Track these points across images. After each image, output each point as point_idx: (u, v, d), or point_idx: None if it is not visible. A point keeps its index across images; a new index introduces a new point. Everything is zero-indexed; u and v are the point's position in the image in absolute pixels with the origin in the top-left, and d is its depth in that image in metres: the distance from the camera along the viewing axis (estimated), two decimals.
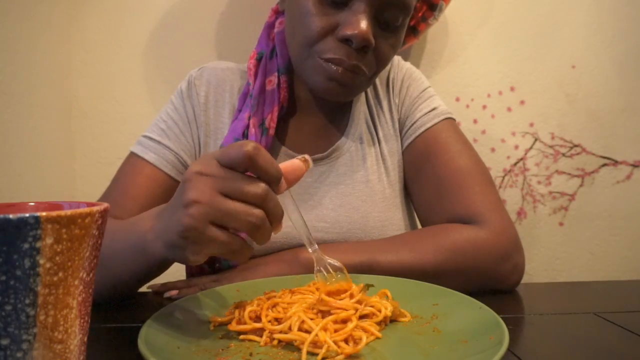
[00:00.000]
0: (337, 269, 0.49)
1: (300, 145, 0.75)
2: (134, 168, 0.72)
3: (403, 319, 0.48)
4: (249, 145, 0.41)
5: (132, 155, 0.73)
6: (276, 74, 0.73)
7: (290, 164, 0.46)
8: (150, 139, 0.73)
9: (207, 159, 0.44)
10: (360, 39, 0.62)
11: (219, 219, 0.41)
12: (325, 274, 0.49)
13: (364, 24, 0.62)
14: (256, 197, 0.42)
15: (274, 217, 0.44)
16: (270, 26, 0.77)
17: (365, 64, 0.66)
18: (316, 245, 0.50)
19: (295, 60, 0.70)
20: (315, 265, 0.50)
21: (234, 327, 0.45)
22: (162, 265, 0.54)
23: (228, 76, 0.78)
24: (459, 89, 1.25)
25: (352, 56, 0.64)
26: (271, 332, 0.43)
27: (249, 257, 0.45)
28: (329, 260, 0.50)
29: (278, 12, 0.78)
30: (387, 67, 0.81)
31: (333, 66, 0.65)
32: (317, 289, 0.50)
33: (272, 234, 0.45)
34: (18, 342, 0.28)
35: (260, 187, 0.42)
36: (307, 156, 0.47)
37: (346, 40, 0.63)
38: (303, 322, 0.43)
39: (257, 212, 0.42)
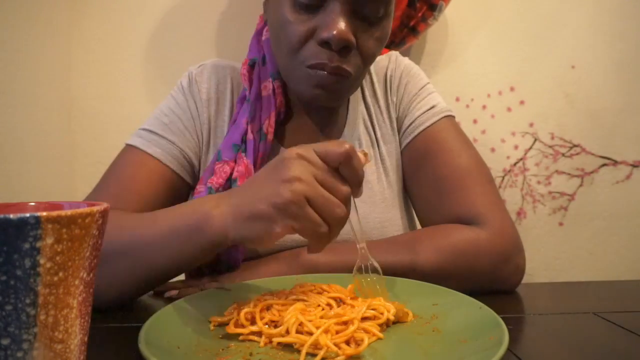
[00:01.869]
0: (374, 270, 0.53)
1: None
2: (136, 162, 0.69)
3: (406, 319, 0.48)
4: (349, 145, 0.45)
5: (132, 148, 0.70)
6: (270, 79, 0.72)
7: (360, 160, 0.48)
8: (152, 132, 0.71)
9: (306, 147, 0.47)
10: (338, 40, 0.60)
11: (317, 201, 0.45)
12: (363, 272, 0.53)
13: (340, 25, 0.60)
14: (343, 195, 0.46)
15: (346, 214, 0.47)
16: (259, 33, 0.77)
17: (349, 64, 0.63)
18: (364, 244, 0.53)
19: (282, 70, 0.70)
20: (358, 261, 0.53)
21: (231, 329, 0.45)
22: (214, 246, 0.52)
23: (229, 74, 0.77)
24: (459, 89, 1.25)
25: (334, 58, 0.62)
26: (269, 336, 0.43)
27: (320, 250, 0.49)
28: (371, 261, 0.53)
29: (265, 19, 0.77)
30: (385, 64, 0.80)
31: (317, 72, 0.63)
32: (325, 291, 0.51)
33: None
34: (18, 342, 0.28)
35: (346, 187, 0.46)
36: (366, 150, 0.51)
37: (326, 43, 0.62)
38: (302, 324, 0.43)
39: (343, 206, 0.46)
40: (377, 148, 0.76)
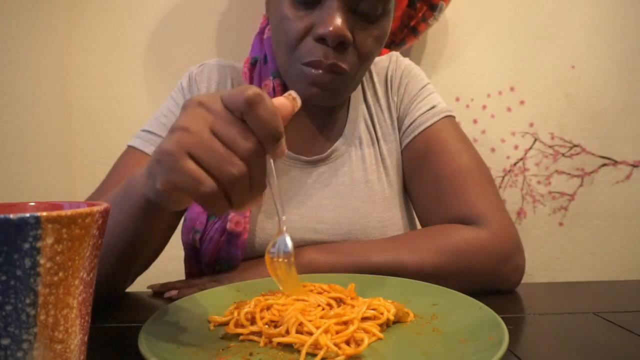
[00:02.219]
0: (287, 255, 0.46)
1: (298, 146, 0.75)
2: (134, 161, 0.70)
3: (407, 320, 0.48)
4: (251, 91, 0.37)
5: (131, 148, 0.72)
6: (271, 77, 0.73)
7: (277, 102, 0.41)
8: (151, 132, 0.72)
9: (214, 94, 0.41)
10: (334, 35, 0.60)
11: (200, 154, 0.38)
12: (277, 256, 0.47)
13: (336, 20, 0.60)
14: (242, 149, 0.38)
15: (256, 181, 0.40)
16: (262, 32, 0.77)
17: (345, 61, 0.64)
18: (284, 217, 0.46)
19: (280, 68, 0.70)
20: (274, 239, 0.47)
21: (231, 329, 0.45)
22: (146, 211, 0.49)
23: (229, 73, 0.77)
24: (459, 89, 1.25)
25: (329, 55, 0.62)
26: (269, 336, 0.43)
27: (223, 213, 0.41)
28: (286, 239, 0.46)
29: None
30: (386, 64, 0.80)
31: (313, 70, 0.63)
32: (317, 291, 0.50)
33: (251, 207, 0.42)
34: (18, 342, 0.28)
35: (250, 142, 0.38)
36: (293, 93, 0.43)
37: (322, 40, 0.62)
38: (302, 324, 0.43)
39: (240, 164, 0.38)
40: (377, 147, 0.76)
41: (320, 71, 0.63)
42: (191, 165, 0.37)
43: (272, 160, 0.43)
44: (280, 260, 0.47)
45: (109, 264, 0.54)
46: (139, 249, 0.56)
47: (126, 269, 0.58)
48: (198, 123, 0.38)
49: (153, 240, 0.58)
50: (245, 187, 0.39)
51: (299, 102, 0.43)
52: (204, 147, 0.38)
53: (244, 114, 0.38)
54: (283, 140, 0.40)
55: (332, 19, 0.60)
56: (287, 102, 0.41)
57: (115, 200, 0.51)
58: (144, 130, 0.72)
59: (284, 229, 0.46)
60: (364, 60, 0.66)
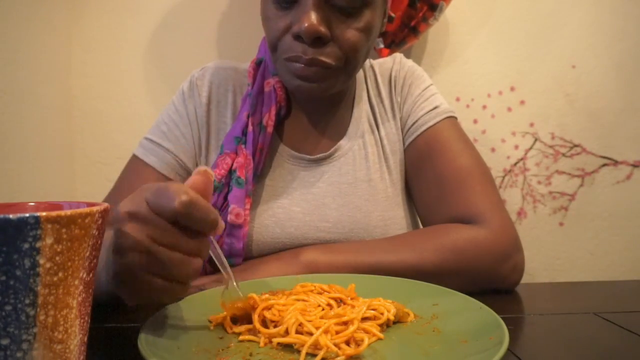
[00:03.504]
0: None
1: (301, 144, 0.75)
2: (135, 171, 0.73)
3: (407, 320, 0.48)
4: (178, 202, 0.37)
5: (134, 157, 0.74)
6: (271, 76, 0.74)
7: (201, 183, 0.41)
8: (151, 141, 0.74)
9: (138, 200, 0.40)
10: (308, 32, 0.61)
11: (156, 269, 0.39)
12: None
13: (311, 17, 0.61)
14: (192, 249, 0.40)
15: (204, 257, 0.42)
16: None
17: (326, 55, 0.64)
18: (235, 282, 0.47)
19: (273, 65, 0.72)
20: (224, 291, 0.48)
21: (228, 325, 0.45)
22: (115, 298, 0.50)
23: (231, 76, 0.78)
24: (459, 89, 1.25)
25: (308, 51, 0.64)
26: (269, 336, 0.43)
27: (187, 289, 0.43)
28: (236, 288, 0.47)
29: None
30: (389, 65, 0.81)
31: (294, 64, 0.65)
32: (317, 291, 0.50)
33: None
34: (18, 342, 0.28)
35: (195, 240, 0.40)
36: (202, 168, 0.43)
37: (298, 37, 0.63)
38: (302, 324, 0.43)
39: (194, 261, 0.40)
40: (380, 146, 0.77)
41: (302, 65, 0.65)
42: (151, 280, 0.40)
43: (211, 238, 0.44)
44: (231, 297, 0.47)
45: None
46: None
47: None
48: (140, 238, 0.39)
49: None
50: (199, 268, 0.41)
51: (210, 173, 0.43)
52: (156, 261, 0.39)
53: (178, 221, 0.39)
54: (219, 220, 0.41)
55: (306, 16, 0.61)
56: (199, 178, 0.42)
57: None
58: (147, 139, 0.75)
59: (232, 278, 0.48)
60: (349, 52, 0.66)
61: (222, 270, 0.47)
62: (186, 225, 0.39)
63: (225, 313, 0.47)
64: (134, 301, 0.42)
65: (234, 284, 0.47)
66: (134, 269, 0.39)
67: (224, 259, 0.47)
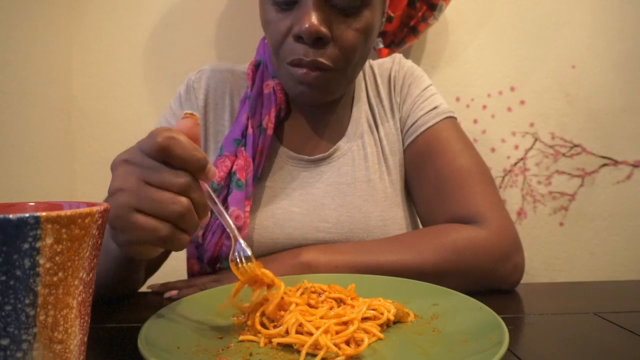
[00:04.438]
0: (248, 258, 0.48)
1: (300, 146, 0.75)
2: None
3: (407, 320, 0.48)
4: (160, 137, 0.40)
5: None
6: (271, 78, 0.74)
7: (184, 126, 0.43)
8: None
9: (133, 148, 0.43)
10: (308, 33, 0.61)
11: (144, 206, 0.40)
12: (239, 263, 0.48)
13: (311, 18, 0.61)
14: (179, 186, 0.41)
15: (199, 206, 0.43)
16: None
17: (326, 56, 0.64)
18: (236, 230, 0.48)
19: (275, 71, 0.72)
20: (232, 247, 0.48)
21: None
22: (123, 263, 0.54)
23: (227, 78, 0.78)
24: (459, 89, 1.25)
25: (309, 52, 0.63)
26: (269, 337, 0.43)
27: (186, 245, 0.44)
28: (242, 245, 0.48)
29: None
30: (389, 66, 0.81)
31: (297, 69, 0.65)
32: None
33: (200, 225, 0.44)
34: (18, 342, 0.28)
35: (182, 177, 0.41)
36: (188, 111, 0.45)
37: (300, 38, 0.63)
38: (302, 324, 0.43)
39: (182, 199, 0.41)
40: (380, 147, 0.77)
41: (304, 70, 0.64)
42: (140, 219, 0.40)
43: (206, 184, 0.45)
44: (246, 265, 0.47)
45: (108, 291, 0.59)
46: (136, 281, 0.62)
47: (125, 290, 0.63)
48: (129, 179, 0.41)
49: (147, 270, 0.62)
50: (192, 215, 0.42)
51: (196, 114, 0.45)
52: (144, 198, 0.40)
53: (164, 158, 0.40)
54: (209, 164, 0.42)
55: (306, 17, 0.61)
56: (187, 122, 0.43)
57: (102, 248, 0.52)
58: None
59: (238, 236, 0.48)
60: (349, 53, 0.66)
61: (226, 227, 0.47)
62: (172, 162, 0.40)
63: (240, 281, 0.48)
64: (131, 248, 0.43)
65: (241, 242, 0.47)
66: (124, 208, 0.40)
67: (227, 218, 0.47)
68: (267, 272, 0.48)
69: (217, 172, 0.68)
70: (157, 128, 0.41)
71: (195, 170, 0.41)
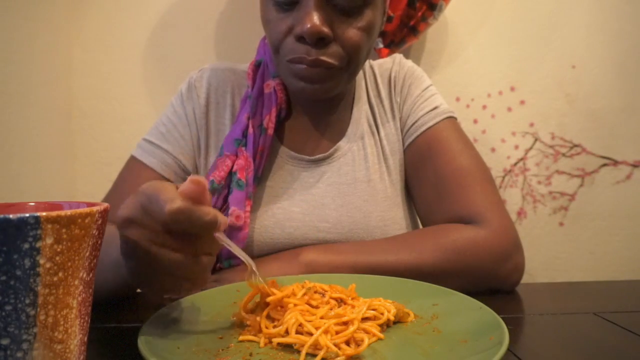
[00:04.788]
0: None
1: (301, 146, 0.75)
2: (134, 172, 0.72)
3: (407, 320, 0.48)
4: (166, 211, 0.37)
5: (133, 159, 0.74)
6: (271, 78, 0.74)
7: (194, 192, 0.40)
8: (150, 142, 0.74)
9: (134, 204, 0.40)
10: (311, 33, 0.61)
11: (161, 269, 0.40)
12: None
13: (313, 18, 0.61)
14: (196, 251, 0.40)
15: (214, 253, 0.43)
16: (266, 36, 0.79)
17: (329, 55, 0.64)
18: (255, 268, 0.48)
19: (275, 68, 0.72)
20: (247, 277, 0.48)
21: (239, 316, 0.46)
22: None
23: (229, 77, 0.78)
24: (459, 89, 1.25)
25: (311, 52, 0.63)
26: (269, 336, 0.43)
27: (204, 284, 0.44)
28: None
29: None
30: (389, 66, 0.81)
31: (297, 65, 0.65)
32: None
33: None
34: (18, 342, 0.28)
35: (199, 242, 0.40)
36: (195, 177, 0.42)
37: (301, 38, 0.63)
38: (301, 324, 0.43)
39: (202, 259, 0.41)
40: (380, 147, 0.77)
41: (305, 66, 0.64)
42: (167, 281, 0.40)
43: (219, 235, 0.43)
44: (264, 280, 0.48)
45: (105, 298, 0.58)
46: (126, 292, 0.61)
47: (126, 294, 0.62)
48: (140, 244, 0.39)
49: None
50: (207, 264, 0.42)
51: (203, 180, 0.42)
52: (161, 263, 0.39)
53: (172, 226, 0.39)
54: (219, 218, 0.40)
55: (308, 17, 0.61)
56: (192, 187, 0.40)
57: (105, 260, 0.51)
58: (145, 140, 0.75)
59: (254, 267, 0.48)
60: (352, 52, 0.66)
61: (244, 260, 0.47)
62: (186, 230, 0.39)
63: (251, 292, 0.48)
64: (157, 299, 0.44)
65: (257, 274, 0.47)
66: (141, 271, 0.41)
67: (241, 251, 0.46)
68: (275, 291, 0.48)
69: (217, 172, 0.68)
70: (161, 191, 0.39)
71: (205, 231, 0.40)
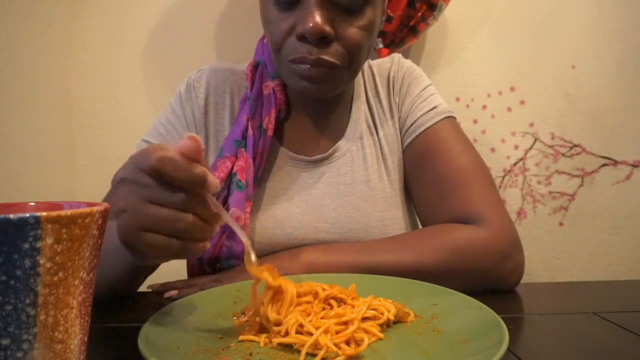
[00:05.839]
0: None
1: (300, 146, 0.75)
2: None
3: (407, 320, 0.48)
4: (153, 157, 0.39)
5: None
6: (270, 78, 0.74)
7: (184, 147, 0.41)
8: (150, 143, 0.73)
9: (130, 164, 0.42)
10: (313, 32, 0.61)
11: (149, 226, 0.41)
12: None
13: (314, 17, 0.61)
14: (179, 203, 0.41)
15: (209, 218, 0.43)
16: (264, 36, 0.79)
17: (331, 54, 0.64)
18: (245, 238, 0.48)
19: (276, 68, 0.71)
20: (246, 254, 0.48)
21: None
22: (136, 267, 0.55)
23: (228, 77, 0.78)
24: (459, 89, 1.25)
25: (313, 51, 0.63)
26: (269, 336, 0.43)
27: (203, 251, 0.44)
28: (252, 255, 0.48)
29: None
30: (388, 66, 0.81)
31: (300, 65, 0.65)
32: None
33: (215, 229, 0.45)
34: (18, 342, 0.28)
35: (179, 196, 0.40)
36: (188, 133, 0.43)
37: (303, 37, 0.63)
38: (302, 324, 0.43)
39: (185, 216, 0.41)
40: (379, 147, 0.77)
41: (307, 66, 0.64)
42: (149, 237, 0.41)
43: (209, 196, 0.43)
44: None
45: (110, 288, 0.59)
46: (139, 282, 0.62)
47: (126, 290, 0.63)
48: (131, 199, 0.41)
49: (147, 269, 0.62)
50: (200, 227, 0.42)
51: (198, 138, 0.42)
52: (148, 218, 0.40)
53: (159, 179, 0.40)
54: (208, 177, 0.41)
55: (310, 16, 0.61)
56: (188, 142, 0.41)
57: (110, 252, 0.52)
58: (144, 140, 0.75)
59: (248, 242, 0.48)
60: (353, 51, 0.66)
61: (240, 237, 0.47)
62: (171, 182, 0.40)
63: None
64: (145, 261, 0.44)
65: (248, 243, 0.47)
66: (131, 229, 0.41)
67: (237, 226, 0.46)
68: (269, 277, 0.47)
69: (217, 174, 0.68)
70: (152, 145, 0.41)
71: (194, 187, 0.41)
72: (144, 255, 0.43)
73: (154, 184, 0.41)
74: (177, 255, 0.42)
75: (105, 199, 0.45)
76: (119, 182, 0.42)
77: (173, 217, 0.40)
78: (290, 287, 0.47)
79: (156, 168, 0.39)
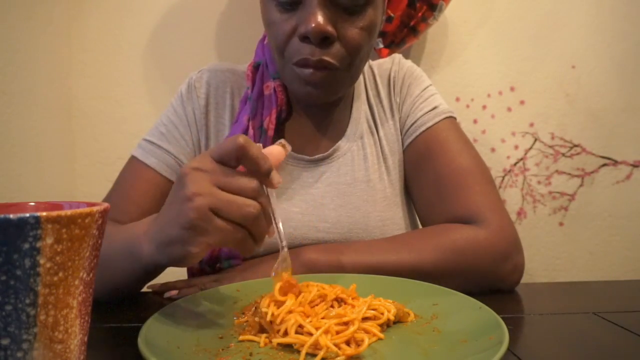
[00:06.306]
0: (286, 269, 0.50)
1: (301, 146, 0.75)
2: (135, 172, 0.72)
3: (407, 320, 0.48)
4: (241, 138, 0.43)
5: (133, 159, 0.74)
6: (271, 79, 0.74)
7: (269, 151, 0.48)
8: (151, 142, 0.74)
9: (201, 156, 0.46)
10: (315, 32, 0.61)
11: (221, 209, 0.43)
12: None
13: (316, 17, 0.61)
14: (250, 190, 0.44)
15: (265, 212, 0.46)
16: (264, 37, 0.79)
17: (332, 55, 0.64)
18: (285, 242, 0.50)
19: (278, 71, 0.71)
20: (278, 260, 0.50)
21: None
22: (150, 271, 0.55)
23: (229, 78, 0.78)
24: (459, 89, 1.25)
25: (316, 52, 0.63)
26: (269, 336, 0.43)
27: (253, 252, 0.46)
28: (288, 263, 0.50)
29: None
30: (388, 66, 0.81)
31: (304, 70, 0.65)
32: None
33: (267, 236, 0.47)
34: (18, 342, 0.28)
35: (253, 182, 0.44)
36: (284, 140, 0.49)
37: (306, 38, 0.63)
38: (301, 325, 0.43)
39: (254, 203, 0.44)
40: (379, 147, 0.77)
41: (311, 70, 0.64)
42: (219, 222, 0.43)
43: (273, 193, 0.48)
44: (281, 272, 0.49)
45: (108, 292, 0.59)
46: (142, 286, 0.63)
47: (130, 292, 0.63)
48: (203, 185, 0.44)
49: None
50: (262, 220, 0.45)
51: (288, 147, 0.50)
52: (221, 202, 0.43)
53: (239, 159, 0.44)
54: (274, 172, 0.46)
55: (312, 17, 0.61)
56: (279, 149, 0.48)
57: (118, 253, 0.55)
58: (146, 140, 0.75)
59: (287, 257, 0.50)
60: (354, 52, 0.66)
61: (277, 234, 0.49)
62: (245, 164, 0.44)
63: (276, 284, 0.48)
64: (200, 251, 0.44)
65: (285, 250, 0.49)
66: (204, 212, 0.43)
67: (279, 223, 0.49)
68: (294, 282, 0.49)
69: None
70: (233, 136, 0.45)
71: (263, 174, 0.45)
72: (202, 242, 0.44)
73: (227, 171, 0.44)
74: (237, 245, 0.45)
75: (170, 192, 0.48)
76: (190, 171, 0.45)
77: (245, 203, 0.44)
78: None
79: (241, 145, 0.43)
